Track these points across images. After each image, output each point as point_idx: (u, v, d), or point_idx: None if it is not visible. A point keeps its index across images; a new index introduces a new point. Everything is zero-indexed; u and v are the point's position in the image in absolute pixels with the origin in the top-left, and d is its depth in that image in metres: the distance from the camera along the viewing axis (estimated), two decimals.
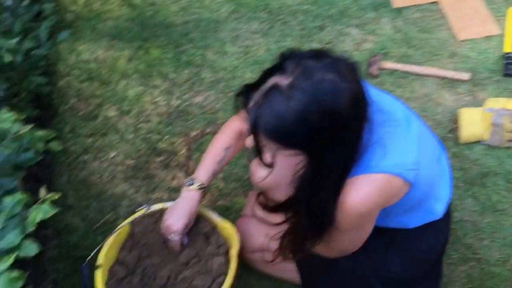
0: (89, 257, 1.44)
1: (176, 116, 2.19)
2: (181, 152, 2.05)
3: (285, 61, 1.05)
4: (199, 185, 1.42)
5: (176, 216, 1.41)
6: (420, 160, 1.18)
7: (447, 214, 1.40)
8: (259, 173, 1.46)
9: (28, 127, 1.34)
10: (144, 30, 2.54)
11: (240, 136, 1.49)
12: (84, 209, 1.88)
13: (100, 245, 1.47)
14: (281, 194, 1.42)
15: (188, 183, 1.44)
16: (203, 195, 1.44)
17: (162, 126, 2.15)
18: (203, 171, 1.45)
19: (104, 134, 2.12)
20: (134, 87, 2.30)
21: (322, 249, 1.34)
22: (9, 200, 1.23)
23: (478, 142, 2.01)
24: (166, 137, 2.11)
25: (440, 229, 1.40)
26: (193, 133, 2.12)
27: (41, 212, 1.15)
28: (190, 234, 1.48)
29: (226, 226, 1.48)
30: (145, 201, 1.91)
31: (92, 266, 1.45)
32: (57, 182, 1.96)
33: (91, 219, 1.85)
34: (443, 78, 2.23)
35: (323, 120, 1.02)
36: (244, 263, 1.63)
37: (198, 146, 2.08)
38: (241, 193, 1.93)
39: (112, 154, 2.06)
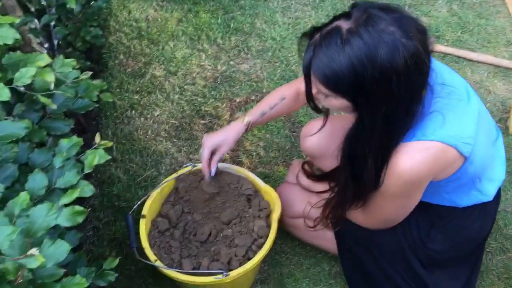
0: (134, 207, 1.48)
1: (221, 81, 2.19)
2: (225, 117, 2.06)
3: (354, 8, 1.04)
4: (245, 120, 1.46)
5: (213, 134, 1.48)
6: (477, 136, 1.16)
7: (497, 199, 1.38)
8: (309, 139, 1.46)
9: (89, 73, 1.36)
10: None
11: (298, 96, 1.49)
12: (128, 162, 1.92)
13: (145, 197, 1.50)
14: (328, 162, 1.42)
15: (238, 115, 1.47)
16: (245, 130, 1.48)
17: (207, 90, 2.16)
18: (254, 110, 1.50)
19: (150, 92, 2.15)
20: (182, 49, 2.31)
21: (367, 220, 1.34)
22: (65, 143, 1.26)
23: None
24: (211, 101, 2.12)
25: (489, 212, 1.38)
26: (238, 100, 2.13)
27: (98, 156, 1.18)
28: (234, 194, 1.50)
29: (269, 191, 1.50)
30: (186, 161, 1.93)
31: (135, 217, 1.49)
32: (103, 135, 2.00)
33: (133, 172, 1.89)
34: (497, 66, 2.17)
35: (374, 72, 1.00)
36: (281, 229, 1.65)
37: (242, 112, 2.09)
38: (280, 162, 1.94)
39: (157, 112, 2.08)
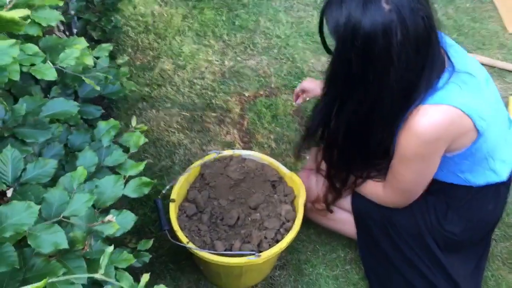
0: (163, 191, 1.50)
1: (229, 76, 2.23)
2: (236, 110, 2.10)
3: None
4: None
5: (312, 80, 1.79)
6: (492, 116, 1.24)
7: (508, 183, 1.46)
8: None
9: (125, 58, 1.38)
10: None
11: None
12: (142, 152, 1.93)
13: (173, 182, 1.52)
14: None
15: None
16: None
17: (216, 84, 2.20)
18: None
19: (160, 85, 2.17)
20: (189, 44, 2.34)
21: (386, 193, 1.39)
22: (104, 125, 1.28)
23: None
24: (220, 94, 2.16)
25: (501, 195, 1.46)
26: (247, 94, 2.17)
27: (142, 137, 1.20)
28: (259, 180, 1.54)
29: (293, 177, 1.54)
30: (200, 152, 1.96)
31: (163, 200, 1.51)
32: None
33: (148, 162, 1.90)
34: (492, 67, 2.29)
35: (393, 29, 1.09)
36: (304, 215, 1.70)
37: (251, 106, 2.13)
38: (291, 154, 1.99)
39: (168, 104, 2.11)
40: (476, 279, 1.58)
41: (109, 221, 0.84)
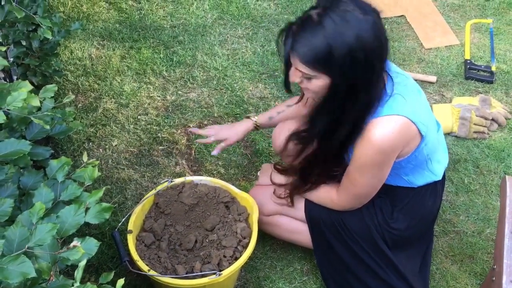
0: (119, 224, 1.52)
1: (173, 110, 2.30)
2: (182, 141, 2.17)
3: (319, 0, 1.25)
4: (255, 120, 1.72)
5: (226, 128, 1.78)
6: (428, 121, 1.39)
7: (443, 180, 1.61)
8: (282, 136, 1.62)
9: (71, 97, 1.42)
10: (133, 32, 2.66)
11: (304, 106, 1.63)
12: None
13: (128, 214, 1.55)
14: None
15: (249, 115, 1.74)
16: (253, 129, 1.75)
17: (161, 118, 2.26)
18: (262, 114, 1.77)
19: (105, 124, 2.20)
20: (129, 83, 2.39)
21: (340, 197, 1.49)
22: (55, 163, 1.31)
23: (447, 134, 2.27)
24: (166, 128, 2.22)
25: (438, 191, 1.61)
26: (192, 125, 2.24)
27: (95, 170, 1.24)
28: (213, 203, 1.60)
29: (244, 196, 1.62)
30: (151, 185, 2.00)
31: (121, 233, 1.53)
32: None
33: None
34: (414, 79, 2.49)
35: (344, 44, 1.19)
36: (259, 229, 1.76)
37: (198, 136, 2.20)
38: (241, 178, 2.07)
39: (115, 142, 2.14)
40: (424, 274, 1.71)
41: (74, 247, 0.87)
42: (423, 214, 1.59)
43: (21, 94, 1.24)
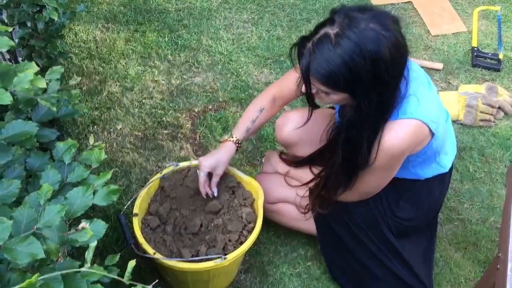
0: (125, 207, 1.52)
1: (177, 94, 2.29)
2: (187, 126, 2.16)
3: (335, 14, 1.21)
4: (234, 139, 1.55)
5: (209, 156, 1.56)
6: (438, 115, 1.37)
7: (450, 170, 1.61)
8: (286, 129, 1.61)
9: (78, 79, 1.41)
10: (138, 15, 2.63)
11: (274, 102, 1.62)
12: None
13: (134, 197, 1.55)
14: (304, 149, 1.58)
15: (226, 137, 1.58)
16: (237, 148, 1.58)
17: (165, 102, 2.25)
18: (238, 128, 1.60)
19: (110, 108, 2.19)
20: (134, 66, 2.38)
21: (348, 193, 1.49)
22: (62, 145, 1.30)
23: (454, 122, 2.26)
24: (170, 112, 2.21)
25: (445, 182, 1.61)
26: (196, 109, 2.23)
27: (98, 154, 1.24)
28: (219, 188, 1.60)
29: (250, 181, 1.61)
30: (155, 169, 1.99)
31: (126, 216, 1.53)
32: None
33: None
34: (420, 66, 2.48)
35: (365, 64, 1.16)
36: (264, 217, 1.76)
37: (202, 121, 2.19)
38: (245, 163, 2.07)
39: (120, 126, 2.13)
40: (428, 261, 1.71)
41: (83, 228, 0.87)
42: (430, 204, 1.59)
43: (27, 75, 1.23)
